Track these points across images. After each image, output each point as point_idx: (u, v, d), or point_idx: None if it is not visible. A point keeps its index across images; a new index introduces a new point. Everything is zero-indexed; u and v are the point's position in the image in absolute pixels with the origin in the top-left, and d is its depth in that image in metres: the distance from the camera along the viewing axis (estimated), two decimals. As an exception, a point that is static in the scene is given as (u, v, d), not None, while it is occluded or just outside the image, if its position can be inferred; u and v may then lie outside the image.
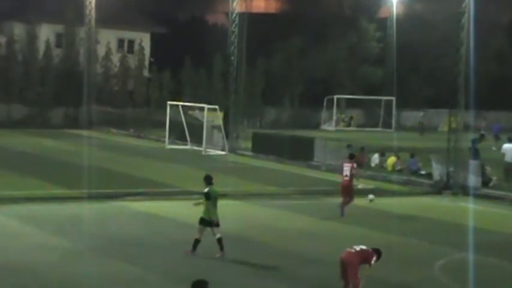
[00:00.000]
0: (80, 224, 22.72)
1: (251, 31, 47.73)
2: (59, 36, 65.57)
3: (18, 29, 63.20)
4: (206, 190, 19.42)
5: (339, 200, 26.21)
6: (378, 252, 15.56)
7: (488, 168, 33.58)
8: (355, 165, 26.30)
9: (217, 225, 19.36)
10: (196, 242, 19.40)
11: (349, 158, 26.62)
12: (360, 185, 33.48)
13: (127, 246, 20.26)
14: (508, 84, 72.34)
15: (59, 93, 61.71)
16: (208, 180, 19.61)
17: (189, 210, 26.10)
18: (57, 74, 62.95)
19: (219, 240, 19.28)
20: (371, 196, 27.81)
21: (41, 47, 63.28)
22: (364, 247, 15.48)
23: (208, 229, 19.43)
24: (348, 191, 25.97)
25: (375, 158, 39.59)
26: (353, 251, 15.34)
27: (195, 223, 23.65)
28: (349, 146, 41.02)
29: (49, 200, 26.61)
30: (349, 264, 15.16)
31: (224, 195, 19.67)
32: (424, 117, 67.32)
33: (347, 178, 25.95)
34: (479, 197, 30.88)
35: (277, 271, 18.44)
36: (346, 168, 25.99)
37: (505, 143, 34.51)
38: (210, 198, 19.31)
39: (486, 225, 24.98)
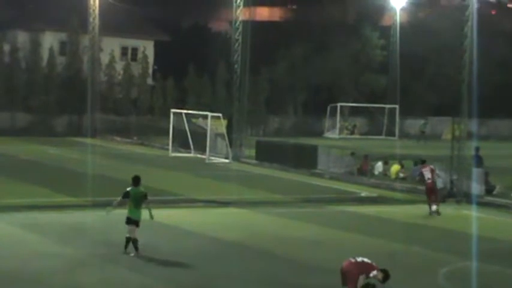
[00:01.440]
0: (84, 232, 22.73)
1: (255, 39, 47.80)
2: (62, 44, 65.66)
3: (22, 37, 63.33)
4: (127, 189, 20.17)
5: (344, 207, 26.23)
6: (385, 273, 15.41)
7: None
8: (433, 167, 29.29)
9: (138, 225, 19.93)
10: (135, 241, 19.87)
11: (422, 163, 30.33)
12: (363, 192, 33.58)
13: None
14: (511, 92, 72.31)
15: (63, 101, 61.80)
16: (134, 181, 20.28)
17: (193, 218, 26.20)
18: (60, 82, 63.05)
19: (133, 241, 19.79)
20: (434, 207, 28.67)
21: (45, 55, 63.40)
22: (366, 260, 15.43)
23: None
24: (434, 192, 28.86)
25: (379, 166, 39.57)
26: (353, 260, 15.33)
27: (198, 231, 23.74)
28: (352, 154, 41.10)
29: (53, 208, 26.64)
30: (348, 273, 15.16)
31: (145, 196, 20.16)
32: (425, 125, 67.28)
33: (430, 180, 28.75)
34: (482, 205, 30.85)
35: (280, 279, 18.43)
36: (426, 172, 28.92)
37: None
38: (128, 197, 19.99)
39: (490, 233, 24.96)
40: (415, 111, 69.94)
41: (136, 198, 20.14)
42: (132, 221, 20.07)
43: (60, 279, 17.57)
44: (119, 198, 20.51)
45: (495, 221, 28.15)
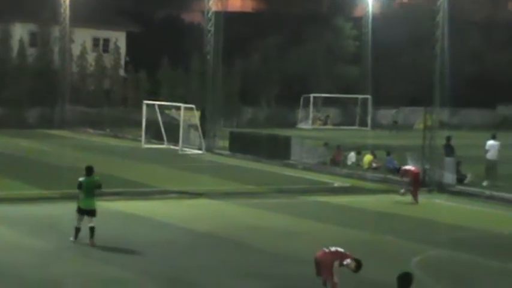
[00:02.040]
0: (56, 225, 22.59)
1: (228, 30, 47.71)
2: (33, 35, 65.20)
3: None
4: (79, 180, 20.33)
5: (317, 198, 26.27)
6: (357, 262, 15.48)
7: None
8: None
9: (93, 214, 20.05)
10: (77, 230, 20.08)
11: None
12: (336, 183, 33.69)
13: (104, 246, 20.17)
14: (483, 82, 72.84)
15: (34, 93, 61.34)
16: (86, 171, 20.44)
17: (166, 210, 26.16)
18: (31, 74, 62.58)
19: (91, 229, 19.91)
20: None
21: (15, 47, 62.89)
22: (340, 249, 15.49)
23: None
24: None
25: (352, 156, 39.70)
26: (327, 250, 15.38)
27: (171, 222, 23.71)
28: (325, 145, 41.21)
29: (24, 201, 26.49)
30: (322, 262, 15.21)
31: (99, 186, 20.38)
32: (397, 114, 67.58)
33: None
34: (454, 194, 31.08)
35: (253, 270, 18.45)
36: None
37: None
38: (81, 188, 20.11)
39: (461, 222, 25.15)
40: (388, 101, 70.23)
41: (88, 187, 20.21)
42: (83, 211, 20.10)
43: (33, 273, 17.46)
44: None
45: (466, 209, 28.37)
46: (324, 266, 15.17)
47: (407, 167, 30.10)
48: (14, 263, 18.20)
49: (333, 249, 15.42)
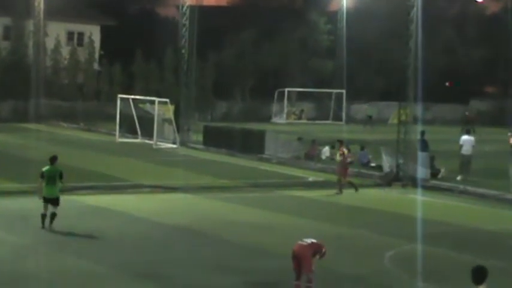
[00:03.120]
0: (29, 219, 22.45)
1: (202, 24, 47.62)
2: (6, 28, 64.71)
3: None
4: (42, 169, 20.91)
5: (292, 192, 26.26)
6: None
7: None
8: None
9: (56, 203, 20.72)
10: (43, 216, 20.72)
11: (340, 143, 31.20)
12: (310, 177, 33.75)
13: (77, 240, 20.12)
14: (456, 77, 73.32)
15: (7, 86, 60.89)
16: (50, 160, 21.07)
17: (139, 204, 26.10)
18: (5, 67, 62.12)
19: (52, 215, 20.62)
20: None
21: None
22: (314, 240, 15.57)
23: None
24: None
25: (326, 151, 39.78)
26: (305, 243, 15.41)
27: (145, 216, 23.65)
28: (300, 139, 41.27)
29: (1, 195, 26.32)
30: (302, 256, 15.23)
31: (60, 174, 20.95)
32: (370, 109, 67.81)
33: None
34: (428, 188, 31.22)
35: (228, 263, 18.45)
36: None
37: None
38: (43, 177, 20.70)
39: (435, 217, 25.29)
40: (362, 96, 70.49)
41: (50, 176, 20.73)
42: (48, 200, 20.69)
43: (6, 268, 17.33)
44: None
45: (440, 204, 28.53)
46: (304, 259, 15.18)
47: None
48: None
49: (309, 241, 15.46)
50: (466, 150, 33.41)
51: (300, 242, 15.50)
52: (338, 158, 29.79)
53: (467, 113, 62.48)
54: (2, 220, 22.43)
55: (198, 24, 46.47)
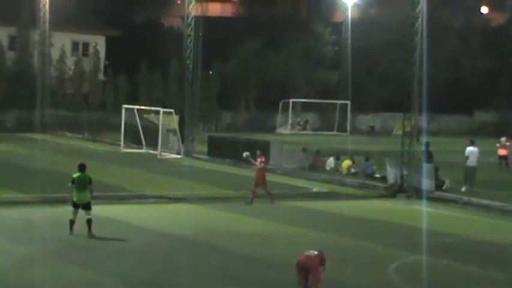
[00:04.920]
0: (33, 229, 22.49)
1: (207, 34, 47.70)
2: (12, 38, 64.86)
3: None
4: (72, 176, 21.79)
5: (296, 203, 26.24)
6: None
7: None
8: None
9: (88, 207, 21.52)
10: (71, 223, 21.45)
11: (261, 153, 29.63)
12: (314, 188, 33.71)
13: (81, 250, 20.12)
14: (460, 88, 73.28)
15: (13, 96, 61.02)
16: (79, 168, 22.00)
17: (144, 214, 26.09)
18: (10, 77, 62.23)
19: (88, 221, 21.36)
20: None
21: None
22: (317, 252, 15.54)
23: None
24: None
25: (330, 162, 39.77)
26: (313, 255, 15.39)
27: (149, 226, 23.64)
28: (304, 150, 41.25)
29: (2, 204, 26.28)
30: (311, 267, 15.20)
31: (90, 181, 21.79)
32: (373, 120, 67.78)
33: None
34: (432, 199, 31.15)
35: (232, 274, 18.42)
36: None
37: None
38: (74, 183, 21.62)
39: (439, 228, 25.24)
40: (367, 107, 70.47)
41: (80, 182, 21.65)
42: (77, 205, 21.50)
43: (9, 277, 17.35)
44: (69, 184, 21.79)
45: (444, 215, 28.47)
46: (313, 270, 15.17)
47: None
48: (-10, 267, 18.06)
49: (316, 252, 15.45)
50: (472, 161, 33.37)
51: (306, 254, 15.46)
52: (259, 166, 29.26)
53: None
54: (6, 230, 22.43)
55: (202, 35, 46.55)
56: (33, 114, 60.26)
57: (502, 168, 39.69)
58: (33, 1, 60.05)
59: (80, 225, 21.53)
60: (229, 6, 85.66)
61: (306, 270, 15.25)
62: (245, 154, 29.93)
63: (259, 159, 29.04)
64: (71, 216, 21.53)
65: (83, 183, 21.69)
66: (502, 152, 40.10)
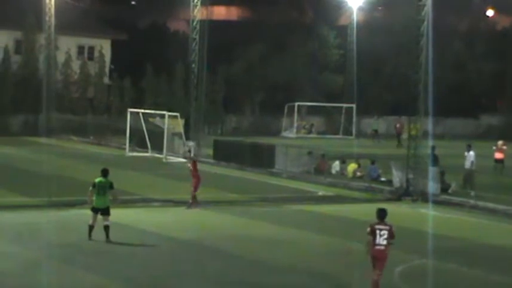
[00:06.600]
0: (39, 233, 22.51)
1: (212, 38, 47.73)
2: (17, 42, 64.96)
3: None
4: (94, 180, 21.84)
5: (302, 207, 26.19)
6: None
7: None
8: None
9: (107, 213, 21.49)
10: (90, 228, 21.47)
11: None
12: (320, 192, 33.69)
13: (86, 253, 20.12)
14: (466, 91, 73.19)
15: (18, 100, 61.11)
16: (102, 172, 22.05)
17: (149, 218, 26.09)
18: (16, 81, 62.34)
19: (106, 227, 21.32)
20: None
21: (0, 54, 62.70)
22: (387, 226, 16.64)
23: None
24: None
25: (336, 165, 39.74)
26: (382, 247, 16.53)
27: (155, 230, 23.64)
28: (310, 153, 41.23)
29: (8, 208, 26.33)
30: (385, 258, 16.53)
31: (110, 186, 21.82)
32: (376, 123, 67.67)
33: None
34: (438, 203, 31.13)
35: (237, 278, 18.40)
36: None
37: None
38: (94, 187, 21.69)
39: (445, 231, 25.20)
40: (372, 110, 70.37)
41: (101, 186, 21.68)
42: (97, 210, 21.47)
43: (14, 281, 17.36)
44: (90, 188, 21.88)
45: (450, 219, 28.43)
46: (385, 259, 16.56)
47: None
48: (-4, 271, 18.08)
49: (384, 237, 16.64)
50: (466, 165, 33.82)
51: (377, 247, 16.39)
52: (190, 169, 29.23)
53: (398, 125, 61.38)
54: (11, 234, 22.44)
55: (208, 38, 46.58)
56: (38, 118, 60.32)
57: (497, 171, 39.63)
58: (39, 5, 60.14)
59: (84, 229, 21.53)
60: (235, 10, 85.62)
61: (381, 261, 16.49)
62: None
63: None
64: (90, 221, 21.54)
65: (103, 188, 21.71)
66: (498, 155, 40.06)
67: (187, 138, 45.26)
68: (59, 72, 64.67)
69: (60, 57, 64.50)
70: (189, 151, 44.19)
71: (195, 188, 28.30)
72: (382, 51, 69.07)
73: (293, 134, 66.81)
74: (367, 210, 29.26)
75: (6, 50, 62.70)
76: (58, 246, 20.69)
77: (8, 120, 60.83)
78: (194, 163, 29.27)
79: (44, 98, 59.47)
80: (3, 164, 39.72)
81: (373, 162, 38.21)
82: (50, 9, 60.27)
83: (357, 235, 24.09)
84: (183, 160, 43.92)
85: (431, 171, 32.84)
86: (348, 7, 72.06)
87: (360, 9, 72.37)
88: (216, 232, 23.93)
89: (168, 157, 44.26)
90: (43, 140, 54.50)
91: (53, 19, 60.38)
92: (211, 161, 43.63)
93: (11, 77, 62.37)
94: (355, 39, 70.07)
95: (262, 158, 40.73)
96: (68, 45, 65.23)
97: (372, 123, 68.15)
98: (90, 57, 68.65)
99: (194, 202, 28.19)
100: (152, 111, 49.93)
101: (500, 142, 40.85)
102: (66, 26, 61.79)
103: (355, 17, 71.39)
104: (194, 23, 46.65)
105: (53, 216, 25.31)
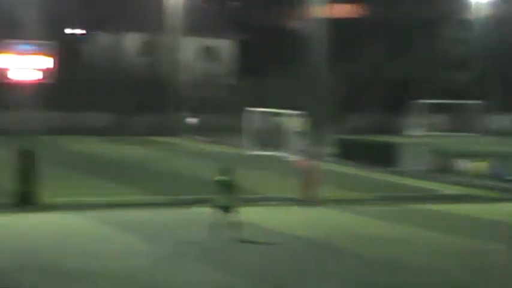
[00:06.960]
0: (167, 230, 22.95)
1: (333, 36, 47.57)
2: (144, 44, 66.56)
3: (104, 38, 64.40)
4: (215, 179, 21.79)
5: (426, 205, 25.73)
6: None
7: None
8: None
9: (228, 210, 21.35)
10: (216, 226, 21.35)
11: None
12: (445, 190, 33.05)
13: (214, 252, 20.31)
14: None
15: (144, 101, 62.64)
16: (222, 171, 21.89)
17: (271, 216, 26.20)
18: (142, 82, 63.90)
19: (236, 224, 21.23)
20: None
21: (126, 56, 64.40)
22: None
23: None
24: None
25: (461, 163, 38.86)
26: None
27: (277, 229, 23.70)
28: (434, 152, 40.49)
29: (136, 206, 26.98)
30: None
31: (232, 184, 21.50)
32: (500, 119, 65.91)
33: None
34: None
35: (357, 278, 18.21)
36: None
37: None
38: (218, 186, 21.61)
39: None
40: (503, 107, 68.52)
41: (224, 185, 21.60)
42: (222, 207, 21.41)
43: (143, 278, 17.69)
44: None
45: None
46: None
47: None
48: (124, 267, 18.47)
49: None
50: None
51: None
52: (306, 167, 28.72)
53: None
54: (140, 231, 22.91)
55: (328, 37, 46.44)
56: (163, 118, 61.62)
57: None
58: (164, 7, 61.45)
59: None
60: (355, 8, 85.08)
61: None
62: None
63: None
64: (214, 219, 21.44)
65: (227, 186, 21.72)
66: None
67: (309, 137, 45.22)
68: (183, 73, 65.88)
69: (184, 58, 65.68)
70: (308, 150, 44.19)
71: (311, 186, 28.18)
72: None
73: (418, 132, 65.86)
74: (494, 210, 28.55)
75: (132, 52, 64.36)
76: (186, 244, 21.01)
77: (134, 121, 62.43)
78: (310, 161, 29.18)
79: (169, 99, 60.69)
80: (131, 163, 40.76)
81: (499, 161, 37.16)
82: (175, 11, 61.45)
83: (484, 234, 23.51)
84: (303, 159, 43.89)
85: None
86: (474, 1, 70.38)
87: (487, 3, 70.55)
88: (338, 231, 23.79)
89: (290, 156, 44.34)
90: (167, 139, 55.65)
91: (178, 21, 61.55)
92: (333, 159, 43.49)
93: (137, 78, 63.98)
94: (482, 34, 68.29)
95: (386, 156, 40.31)
96: (192, 46, 66.37)
97: (502, 120, 66.33)
98: (214, 58, 69.66)
99: (312, 201, 28.20)
100: (273, 110, 50.18)
101: None
102: (190, 27, 62.92)
103: (483, 11, 69.42)
104: (315, 22, 46.58)
105: (178, 213, 25.79)
